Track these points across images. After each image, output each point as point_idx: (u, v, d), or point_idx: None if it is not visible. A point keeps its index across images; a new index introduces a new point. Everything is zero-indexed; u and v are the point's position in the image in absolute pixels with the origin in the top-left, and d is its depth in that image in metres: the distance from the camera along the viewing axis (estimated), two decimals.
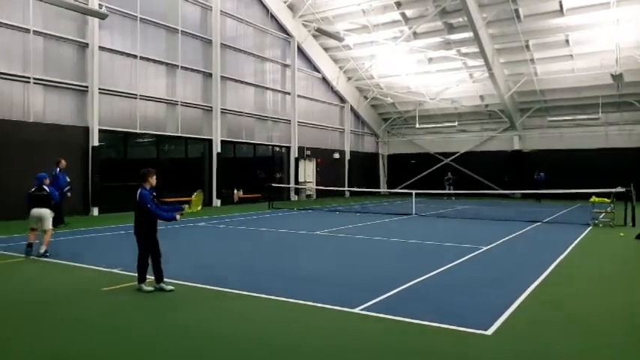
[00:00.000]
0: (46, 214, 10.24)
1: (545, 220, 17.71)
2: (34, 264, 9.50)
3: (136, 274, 7.42)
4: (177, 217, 7.47)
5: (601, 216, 16.91)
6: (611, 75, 24.70)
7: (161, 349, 5.04)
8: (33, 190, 10.38)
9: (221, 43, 25.13)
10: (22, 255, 10.12)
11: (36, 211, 10.21)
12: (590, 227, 15.62)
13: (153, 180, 7.47)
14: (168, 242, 12.68)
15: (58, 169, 15.63)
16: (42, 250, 10.03)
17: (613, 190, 17.17)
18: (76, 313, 6.32)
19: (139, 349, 5.07)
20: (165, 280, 7.41)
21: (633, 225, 15.47)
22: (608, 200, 17.10)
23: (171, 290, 7.28)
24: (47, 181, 10.80)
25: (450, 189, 31.73)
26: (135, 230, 7.44)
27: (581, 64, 28.51)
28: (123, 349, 5.04)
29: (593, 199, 17.29)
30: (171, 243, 12.52)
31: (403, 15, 27.98)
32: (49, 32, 18.33)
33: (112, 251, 11.12)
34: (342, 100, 35.00)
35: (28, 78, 17.77)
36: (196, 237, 13.64)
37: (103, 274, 8.42)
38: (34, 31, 17.84)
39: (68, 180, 16.07)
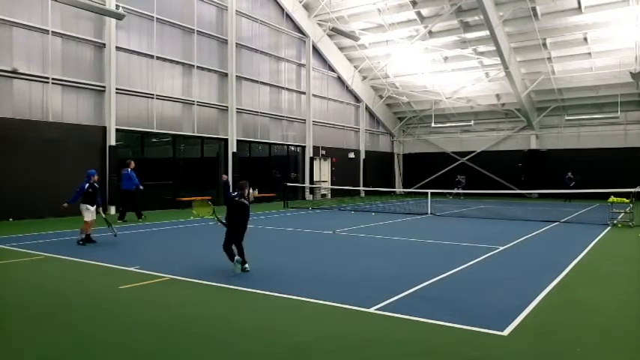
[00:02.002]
0: (81, 208, 11.64)
1: (562, 220, 17.50)
2: (52, 262, 9.62)
3: (153, 273, 7.62)
4: None
5: (620, 216, 16.69)
6: (631, 73, 24.40)
7: (171, 346, 5.08)
8: None
9: (236, 43, 25.24)
10: (42, 253, 10.33)
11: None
12: (609, 227, 15.40)
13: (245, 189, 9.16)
14: (184, 241, 12.80)
15: (129, 169, 16.70)
16: (78, 237, 11.65)
17: (632, 190, 16.93)
18: (94, 311, 6.39)
19: (150, 342, 5.14)
20: (177, 278, 7.50)
21: None
22: (627, 200, 16.87)
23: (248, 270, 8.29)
24: (95, 178, 11.98)
25: (458, 188, 31.80)
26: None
27: (600, 62, 28.15)
28: (138, 343, 5.12)
29: (612, 199, 17.05)
30: (188, 241, 12.61)
31: (419, 14, 27.87)
32: (67, 33, 18.56)
33: (128, 250, 11.25)
34: (357, 99, 34.95)
35: (47, 78, 18.01)
36: (211, 235, 13.67)
37: (120, 273, 8.51)
38: (52, 31, 18.08)
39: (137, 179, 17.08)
